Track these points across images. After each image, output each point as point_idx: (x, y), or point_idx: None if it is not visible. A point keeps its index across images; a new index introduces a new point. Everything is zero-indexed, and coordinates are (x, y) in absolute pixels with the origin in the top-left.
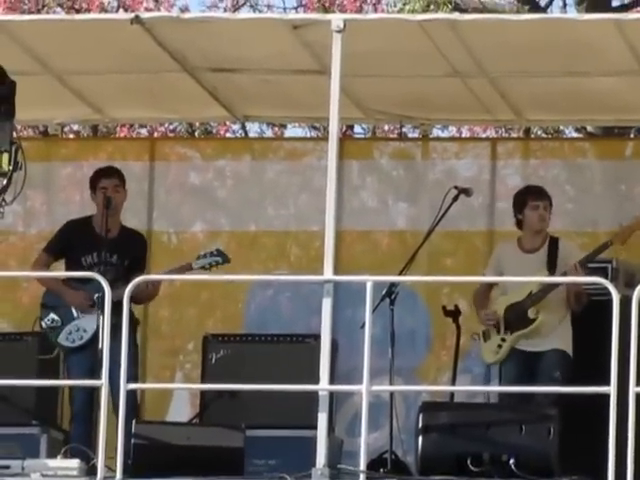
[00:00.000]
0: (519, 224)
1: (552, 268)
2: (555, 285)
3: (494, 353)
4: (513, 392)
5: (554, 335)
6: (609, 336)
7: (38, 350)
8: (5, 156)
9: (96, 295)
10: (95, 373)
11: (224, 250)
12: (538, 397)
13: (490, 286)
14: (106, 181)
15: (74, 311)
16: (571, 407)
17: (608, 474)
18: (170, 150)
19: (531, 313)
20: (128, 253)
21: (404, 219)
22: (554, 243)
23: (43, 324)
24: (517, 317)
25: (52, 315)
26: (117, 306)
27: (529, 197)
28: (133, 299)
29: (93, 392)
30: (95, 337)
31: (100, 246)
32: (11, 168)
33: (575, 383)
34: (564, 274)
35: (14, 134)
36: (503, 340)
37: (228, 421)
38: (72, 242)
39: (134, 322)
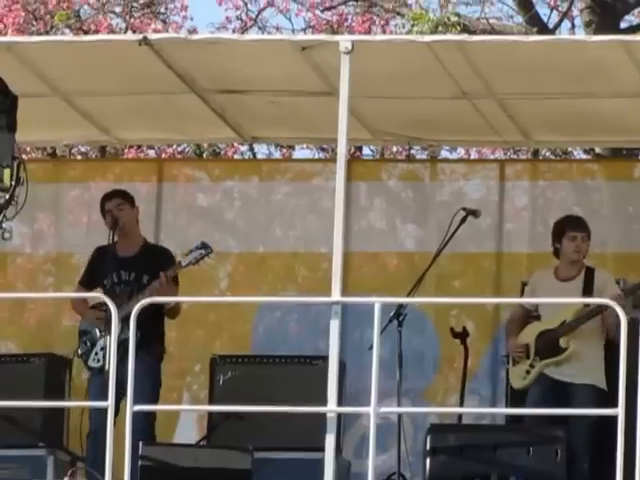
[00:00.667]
0: (556, 252)
1: (588, 297)
2: (589, 317)
3: (521, 378)
4: (524, 415)
5: (585, 367)
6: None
7: (45, 372)
8: (7, 171)
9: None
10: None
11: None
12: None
13: (527, 314)
14: (109, 203)
15: (97, 332)
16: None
17: None
18: (178, 171)
19: (563, 342)
20: (148, 269)
21: (412, 240)
22: (590, 273)
23: (79, 350)
24: (548, 345)
25: (84, 340)
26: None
27: (567, 227)
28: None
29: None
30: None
31: (119, 266)
32: (13, 183)
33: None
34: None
35: (17, 149)
36: (532, 366)
37: (236, 443)
38: (97, 268)
39: (160, 354)
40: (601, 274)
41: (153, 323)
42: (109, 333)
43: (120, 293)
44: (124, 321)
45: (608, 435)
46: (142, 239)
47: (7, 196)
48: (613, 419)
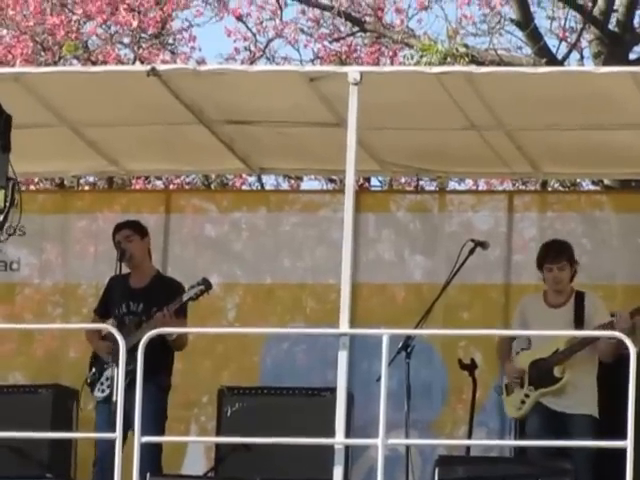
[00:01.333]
0: (544, 280)
1: (579, 324)
2: (583, 345)
3: (517, 409)
4: (532, 446)
5: (581, 397)
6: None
7: (52, 403)
8: (1, 193)
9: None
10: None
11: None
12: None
13: (512, 337)
14: (118, 234)
15: (104, 363)
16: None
17: None
18: (186, 202)
19: (557, 371)
20: (157, 301)
21: (420, 272)
22: (580, 298)
23: (88, 379)
24: (542, 374)
25: (93, 370)
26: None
27: (545, 259)
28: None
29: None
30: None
31: (129, 297)
32: (7, 205)
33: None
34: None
35: (11, 170)
36: (527, 396)
37: (243, 475)
38: (109, 297)
39: (167, 385)
40: (591, 299)
41: (160, 354)
42: (115, 363)
43: (129, 324)
44: (130, 352)
45: (608, 466)
46: (154, 270)
47: (1, 217)
48: (613, 451)
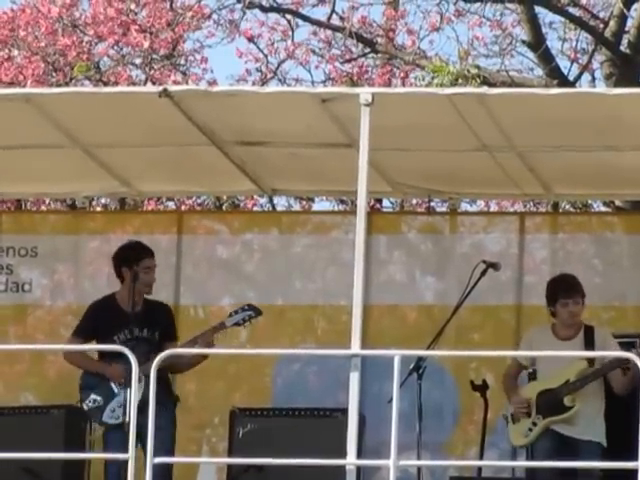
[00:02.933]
0: (552, 314)
1: (589, 358)
2: (596, 376)
3: (523, 436)
4: (543, 467)
5: (590, 424)
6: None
7: (65, 423)
8: None
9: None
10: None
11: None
12: None
13: (519, 369)
14: (139, 265)
15: (114, 388)
16: None
17: None
18: (197, 223)
19: (567, 401)
20: (157, 325)
21: (432, 293)
22: (589, 332)
23: (85, 406)
24: (551, 404)
25: (93, 396)
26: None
27: (559, 294)
28: (172, 369)
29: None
30: (140, 411)
31: (129, 322)
32: None
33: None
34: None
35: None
36: (534, 424)
37: None
38: (99, 323)
39: (174, 399)
40: (600, 332)
41: (166, 375)
42: (128, 386)
43: (137, 349)
44: (145, 378)
45: None
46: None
47: None
48: (619, 476)
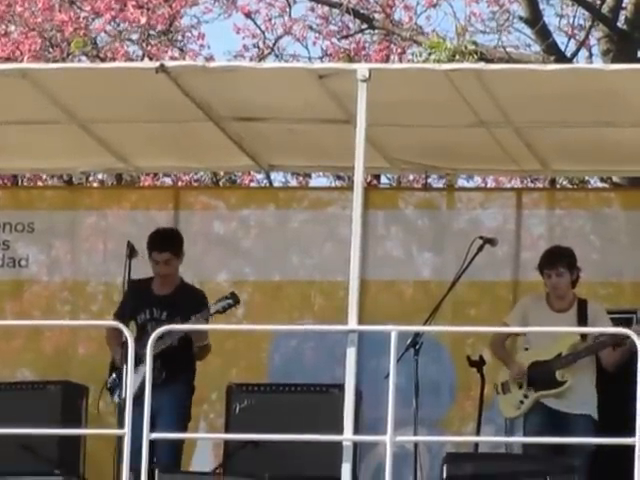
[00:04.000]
0: (545, 285)
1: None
2: (589, 353)
3: (515, 408)
4: (537, 444)
5: (582, 399)
6: (635, 391)
7: (61, 399)
8: None
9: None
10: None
11: (238, 294)
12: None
13: (507, 335)
14: (158, 255)
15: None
16: (603, 469)
17: None
18: (194, 199)
19: (559, 375)
20: (181, 309)
21: (429, 269)
22: (583, 305)
23: (107, 384)
24: (543, 376)
25: (113, 375)
26: (162, 359)
27: (543, 266)
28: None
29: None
30: (141, 390)
31: (152, 304)
32: None
33: (602, 446)
34: (598, 340)
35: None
36: (525, 397)
37: (252, 471)
38: (131, 302)
39: (185, 386)
40: (593, 306)
41: (188, 356)
42: (139, 368)
43: (152, 330)
44: (156, 358)
45: (606, 465)
46: (179, 279)
47: None
48: (611, 450)
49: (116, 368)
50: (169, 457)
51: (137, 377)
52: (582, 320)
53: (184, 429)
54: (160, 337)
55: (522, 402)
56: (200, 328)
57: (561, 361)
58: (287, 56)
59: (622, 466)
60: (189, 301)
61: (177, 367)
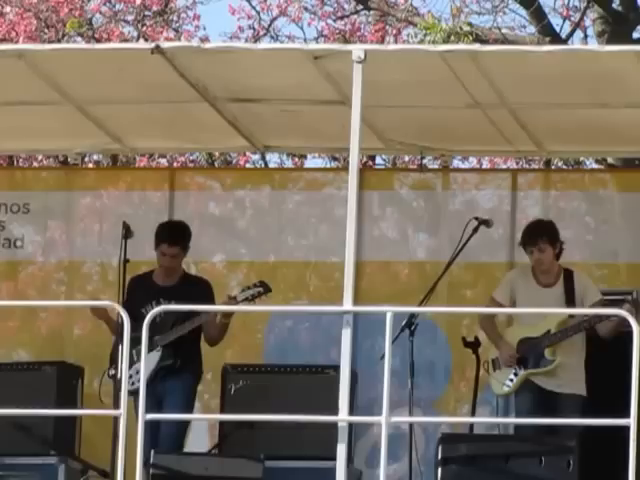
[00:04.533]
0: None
1: (571, 304)
2: (578, 330)
3: (504, 386)
4: (532, 424)
5: (571, 377)
6: (624, 369)
7: (57, 380)
8: None
9: (156, 337)
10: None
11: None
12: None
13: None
14: (165, 248)
15: (134, 355)
16: (589, 443)
17: None
18: (190, 180)
19: (548, 353)
20: (186, 299)
21: (424, 250)
22: (569, 277)
23: (110, 372)
24: (532, 354)
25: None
26: (173, 347)
27: (525, 243)
28: (209, 342)
29: (157, 434)
30: (153, 377)
31: (158, 295)
32: None
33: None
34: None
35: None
36: (515, 374)
37: (247, 452)
38: (134, 296)
39: (193, 373)
40: (580, 278)
41: (197, 344)
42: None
43: (162, 319)
44: (167, 347)
45: (596, 444)
46: (181, 269)
47: None
48: (602, 427)
49: (119, 356)
50: (172, 441)
51: (149, 364)
52: (569, 294)
53: (190, 411)
54: (172, 330)
55: (512, 380)
56: (193, 309)
57: (550, 338)
58: (282, 37)
59: (613, 444)
60: (193, 290)
61: (187, 356)
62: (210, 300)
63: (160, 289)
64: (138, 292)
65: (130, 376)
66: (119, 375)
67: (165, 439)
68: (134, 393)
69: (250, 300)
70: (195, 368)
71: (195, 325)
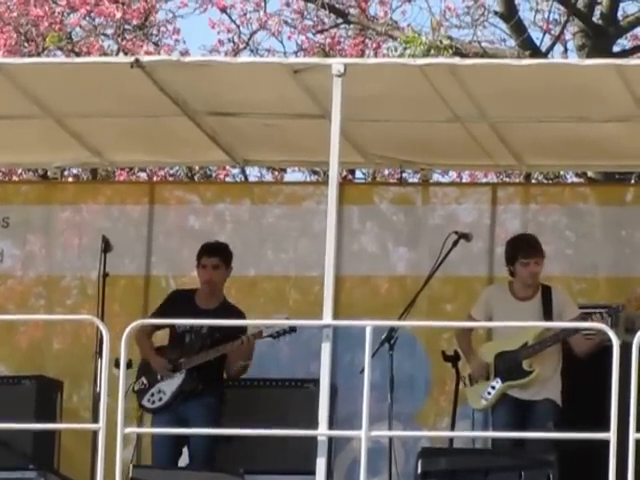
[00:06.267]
0: (511, 274)
1: (548, 318)
2: (556, 340)
3: (482, 399)
4: (510, 438)
5: (547, 385)
6: (604, 382)
7: (36, 394)
8: None
9: (181, 360)
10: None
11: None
12: (532, 444)
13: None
14: (206, 260)
15: (158, 376)
16: (566, 454)
17: None
18: (169, 194)
19: (526, 365)
20: (222, 327)
21: (404, 264)
22: (547, 292)
23: (136, 386)
24: (509, 367)
25: (143, 379)
26: (198, 371)
27: (519, 253)
28: (228, 374)
29: (176, 450)
30: (174, 399)
31: (196, 316)
32: None
33: (566, 430)
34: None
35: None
36: (493, 388)
37: (227, 466)
38: (172, 310)
39: (216, 400)
40: (558, 294)
41: (220, 369)
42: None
43: (190, 342)
44: (191, 371)
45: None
46: (222, 296)
47: None
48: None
49: (147, 373)
50: (204, 456)
51: (169, 385)
52: (547, 307)
53: (215, 441)
54: (197, 354)
55: (489, 393)
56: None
57: (527, 350)
58: (262, 51)
59: (591, 457)
60: (230, 319)
61: (210, 380)
62: (242, 331)
63: (199, 310)
64: (177, 306)
65: (152, 394)
66: (140, 387)
67: (196, 455)
68: (157, 411)
69: (275, 337)
70: (218, 392)
71: (220, 353)
